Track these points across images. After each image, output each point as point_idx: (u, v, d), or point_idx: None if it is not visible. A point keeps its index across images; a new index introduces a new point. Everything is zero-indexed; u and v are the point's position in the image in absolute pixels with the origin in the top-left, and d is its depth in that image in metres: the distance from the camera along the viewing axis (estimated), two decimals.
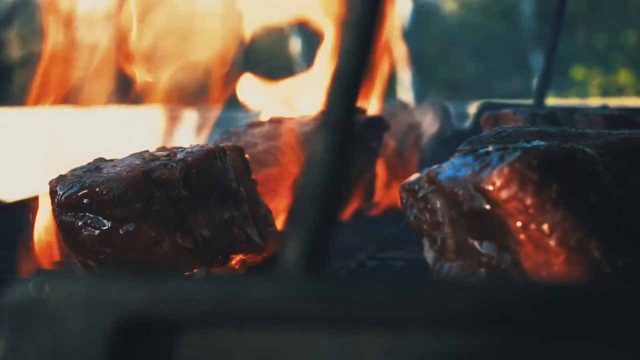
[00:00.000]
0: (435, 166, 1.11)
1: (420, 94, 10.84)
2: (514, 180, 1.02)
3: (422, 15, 11.61)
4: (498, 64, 11.05)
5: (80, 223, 1.28)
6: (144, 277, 0.61)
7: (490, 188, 1.03)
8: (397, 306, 0.57)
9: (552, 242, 1.01)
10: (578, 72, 10.45)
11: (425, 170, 1.10)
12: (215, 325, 0.59)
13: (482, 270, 1.06)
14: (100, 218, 1.27)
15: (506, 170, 1.02)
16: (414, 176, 1.11)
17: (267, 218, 1.43)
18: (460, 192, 1.05)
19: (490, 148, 1.09)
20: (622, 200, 1.11)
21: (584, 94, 10.04)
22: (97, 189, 1.27)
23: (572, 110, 1.66)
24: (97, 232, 1.27)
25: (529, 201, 1.01)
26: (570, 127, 1.61)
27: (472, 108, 3.11)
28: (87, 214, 1.28)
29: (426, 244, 1.11)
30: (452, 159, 1.11)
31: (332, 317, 0.58)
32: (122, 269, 1.28)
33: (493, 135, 1.41)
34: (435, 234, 1.09)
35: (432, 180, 1.08)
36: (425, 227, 1.10)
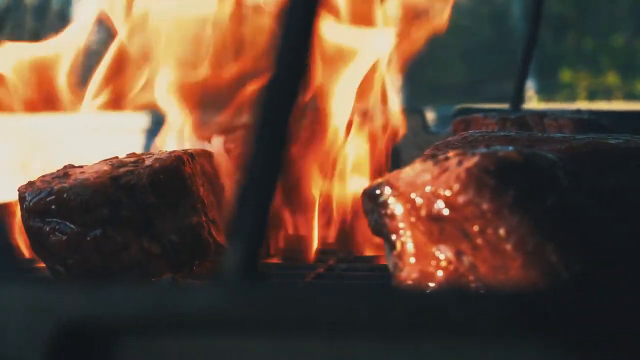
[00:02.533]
0: (395, 171, 1.12)
1: (409, 97, 10.87)
2: (470, 186, 1.03)
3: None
4: (488, 66, 11.08)
5: (48, 228, 1.29)
6: (84, 284, 0.61)
7: (448, 193, 1.04)
8: (332, 312, 0.58)
9: (508, 247, 1.03)
10: (566, 75, 10.48)
11: (386, 176, 1.11)
12: (153, 331, 0.60)
13: (441, 274, 1.07)
14: (68, 223, 1.28)
15: (463, 175, 1.04)
16: (375, 182, 1.12)
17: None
18: (419, 197, 1.06)
19: (449, 154, 1.10)
20: (581, 204, 1.12)
21: (572, 97, 10.07)
22: (64, 195, 1.28)
23: (542, 115, 1.67)
24: (64, 237, 1.29)
25: (485, 206, 1.03)
26: (540, 131, 1.63)
27: None
28: (54, 219, 1.29)
29: (387, 248, 1.12)
30: (413, 164, 1.12)
31: (267, 323, 0.59)
32: (90, 274, 1.29)
33: (460, 140, 1.42)
34: (395, 238, 1.10)
35: (392, 185, 1.09)
36: (385, 232, 1.11)
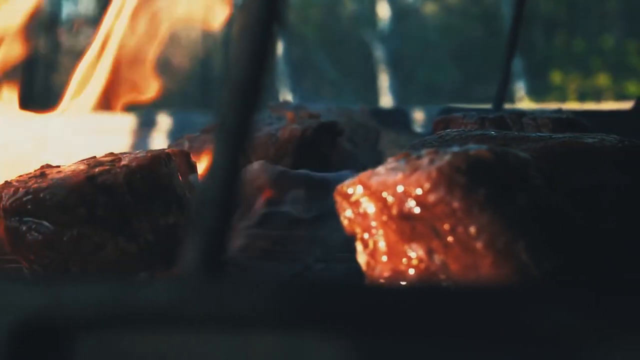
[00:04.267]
0: (368, 170, 1.12)
1: (400, 97, 10.89)
2: (441, 184, 1.04)
3: (402, 18, 11.66)
4: (477, 67, 11.10)
5: (24, 228, 1.30)
6: (41, 279, 0.62)
7: (419, 192, 1.05)
8: (285, 307, 0.58)
9: (479, 245, 1.03)
10: (556, 77, 10.50)
11: (358, 174, 1.12)
12: (111, 327, 0.61)
13: (412, 272, 1.07)
14: (45, 223, 1.29)
15: (434, 173, 1.04)
16: (348, 180, 1.13)
17: None
18: (391, 196, 1.07)
19: (422, 152, 1.11)
20: (554, 203, 1.13)
21: (562, 98, 10.09)
22: (41, 195, 1.29)
23: (521, 114, 1.68)
24: (41, 237, 1.29)
25: (456, 204, 1.03)
26: (519, 130, 1.63)
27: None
28: (31, 219, 1.30)
29: (359, 247, 1.12)
30: (385, 163, 1.12)
31: (223, 318, 0.59)
32: (67, 273, 1.29)
33: (436, 139, 1.43)
34: (367, 237, 1.11)
35: (364, 184, 1.10)
36: (358, 230, 1.11)
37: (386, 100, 10.97)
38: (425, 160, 1.07)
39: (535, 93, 10.33)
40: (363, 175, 1.11)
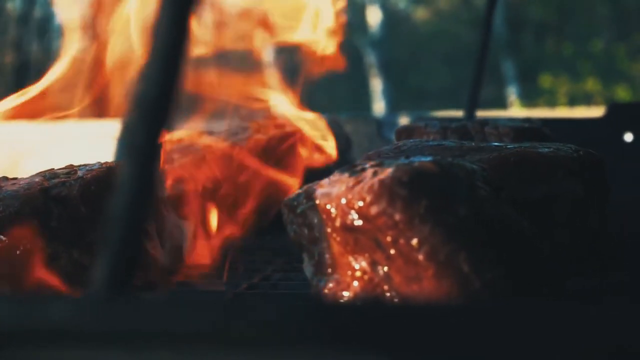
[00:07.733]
0: (314, 182, 1.13)
1: (392, 102, 10.91)
2: (383, 196, 1.04)
3: (393, 24, 11.68)
4: (469, 71, 11.11)
5: None
6: None
7: (361, 204, 1.05)
8: (187, 325, 0.59)
9: (421, 257, 1.04)
10: (546, 80, 10.51)
11: (305, 187, 1.12)
12: (14, 344, 0.61)
13: (357, 284, 1.08)
14: None
15: (376, 186, 1.05)
16: (294, 192, 1.13)
17: (173, 233, 1.45)
18: (334, 208, 1.07)
19: (366, 164, 1.11)
20: (499, 214, 1.13)
21: (553, 102, 10.11)
22: None
23: (483, 123, 1.68)
24: None
25: (398, 216, 1.04)
26: (481, 139, 1.64)
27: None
28: None
29: (305, 258, 1.13)
30: (331, 175, 1.13)
31: (125, 336, 0.59)
32: (20, 285, 1.29)
33: (393, 150, 1.44)
34: (313, 249, 1.11)
35: (309, 196, 1.10)
36: (304, 242, 1.12)
37: (379, 105, 10.99)
38: (368, 173, 1.08)
39: (526, 97, 10.34)
40: (308, 187, 1.12)
